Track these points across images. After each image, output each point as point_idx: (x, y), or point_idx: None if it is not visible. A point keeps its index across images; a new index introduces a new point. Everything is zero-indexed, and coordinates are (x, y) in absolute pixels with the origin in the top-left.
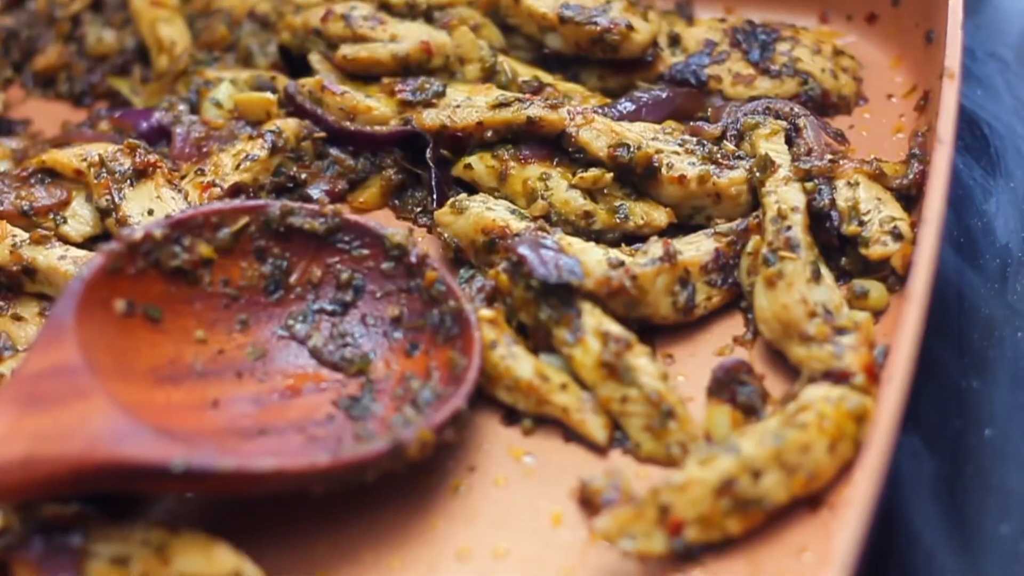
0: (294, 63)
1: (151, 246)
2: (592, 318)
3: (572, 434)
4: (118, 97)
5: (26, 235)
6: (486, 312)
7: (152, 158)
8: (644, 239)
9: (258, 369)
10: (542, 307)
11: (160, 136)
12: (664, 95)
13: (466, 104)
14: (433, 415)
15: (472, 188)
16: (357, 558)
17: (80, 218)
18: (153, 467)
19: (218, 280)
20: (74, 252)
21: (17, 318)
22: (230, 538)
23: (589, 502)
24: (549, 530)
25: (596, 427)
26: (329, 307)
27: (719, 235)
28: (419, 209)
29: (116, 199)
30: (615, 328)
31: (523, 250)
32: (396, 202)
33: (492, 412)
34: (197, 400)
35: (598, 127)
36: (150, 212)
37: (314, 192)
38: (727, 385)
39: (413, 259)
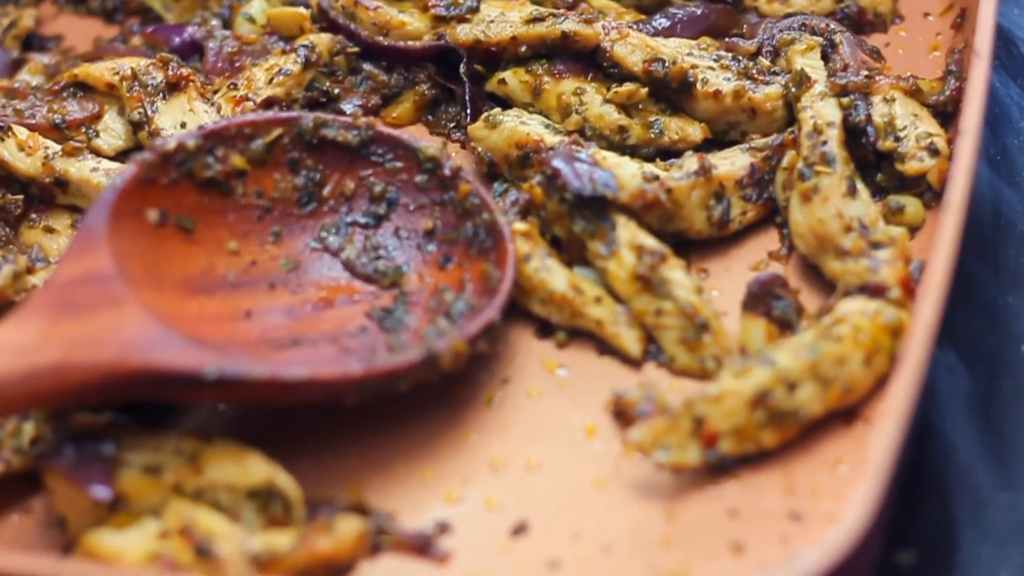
0: None
1: (184, 156)
2: (626, 231)
3: (606, 347)
4: (150, 13)
5: (58, 147)
6: (520, 225)
7: (185, 71)
8: (678, 155)
9: (291, 281)
10: (576, 220)
11: (192, 51)
12: (699, 11)
13: (500, 19)
14: (467, 326)
15: (505, 103)
16: (390, 469)
17: (112, 132)
18: (186, 374)
19: (251, 191)
20: (106, 164)
21: (49, 230)
22: (262, 449)
23: (623, 414)
24: (582, 442)
25: (630, 340)
26: (362, 220)
27: (754, 150)
28: (452, 124)
29: (149, 112)
30: (650, 241)
31: (558, 163)
32: (429, 117)
33: (525, 325)
34: (230, 311)
35: (633, 42)
36: (182, 125)
37: (347, 107)
38: (762, 299)
39: (447, 172)
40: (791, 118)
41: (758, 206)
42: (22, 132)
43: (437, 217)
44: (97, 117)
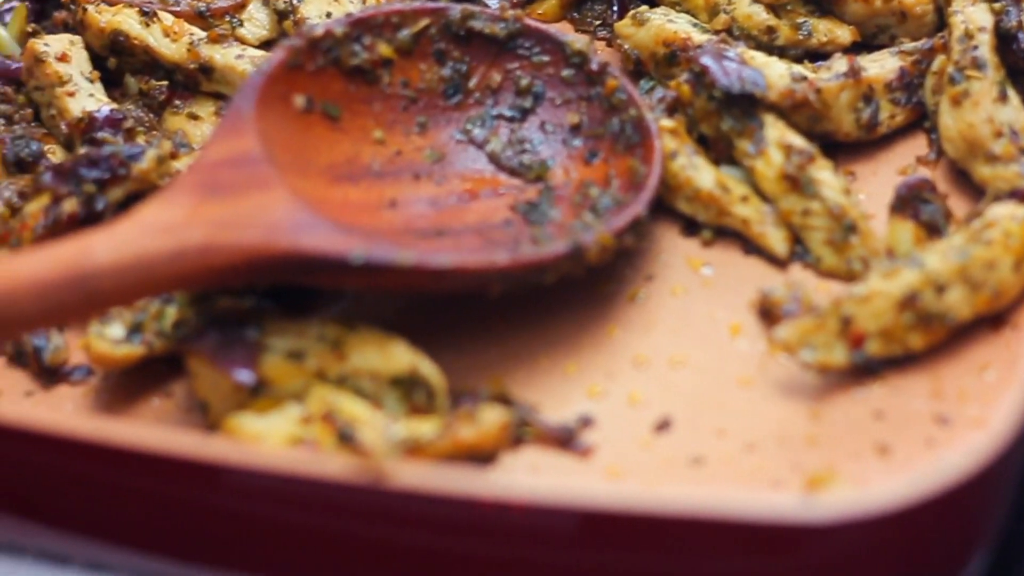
0: None
1: (331, 43)
2: (775, 130)
3: (751, 246)
4: None
5: (203, 34)
6: (667, 122)
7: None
8: (825, 57)
9: (435, 172)
10: (724, 118)
11: None
12: None
13: None
14: (613, 220)
15: (652, 1)
16: (533, 362)
17: (256, 21)
18: (332, 259)
19: (397, 81)
20: (251, 52)
21: (193, 116)
22: (405, 338)
23: (768, 313)
24: (727, 340)
25: (777, 240)
26: (508, 113)
27: (904, 53)
28: (598, 22)
29: (294, 1)
30: (798, 140)
31: (706, 60)
32: (574, 15)
33: (671, 223)
34: (374, 199)
35: None
36: (328, 15)
37: (492, 1)
38: (910, 202)
39: (594, 67)
40: (941, 23)
41: (907, 110)
42: (167, 18)
43: (583, 112)
44: (241, 6)
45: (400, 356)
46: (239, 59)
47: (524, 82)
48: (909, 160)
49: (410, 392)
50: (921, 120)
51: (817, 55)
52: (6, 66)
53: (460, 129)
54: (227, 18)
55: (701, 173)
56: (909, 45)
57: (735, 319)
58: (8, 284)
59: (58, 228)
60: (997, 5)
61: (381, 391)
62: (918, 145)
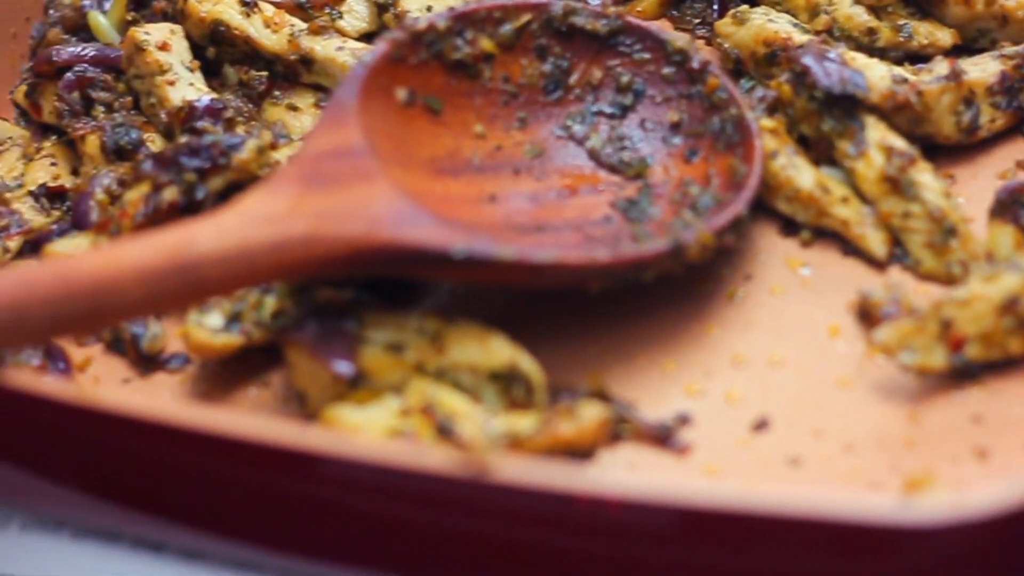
0: None
1: (434, 36)
2: (876, 131)
3: (850, 248)
4: None
5: (304, 25)
6: (767, 121)
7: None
8: (925, 60)
9: (535, 167)
10: (825, 119)
11: None
12: None
13: None
14: (713, 219)
15: (752, 0)
16: (631, 359)
17: (356, 14)
18: (434, 252)
19: (498, 76)
20: (351, 44)
21: (292, 108)
22: (505, 333)
23: (868, 315)
24: (826, 341)
25: (876, 241)
26: (608, 109)
27: (1005, 57)
28: (697, 21)
29: None
30: (899, 142)
31: (807, 60)
32: (674, 12)
33: (769, 223)
34: (475, 193)
35: None
36: (428, 8)
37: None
38: (1010, 206)
39: (695, 65)
40: None
41: (1008, 114)
42: (268, 9)
43: (683, 110)
44: None
45: (500, 350)
46: (339, 51)
47: (624, 79)
48: (1009, 164)
49: (509, 387)
50: (1021, 124)
51: (917, 58)
52: (106, 54)
53: (560, 125)
54: (327, 10)
55: (801, 173)
56: (1010, 49)
57: (833, 320)
58: (110, 271)
59: (158, 217)
60: None
61: (480, 385)
62: (1018, 149)
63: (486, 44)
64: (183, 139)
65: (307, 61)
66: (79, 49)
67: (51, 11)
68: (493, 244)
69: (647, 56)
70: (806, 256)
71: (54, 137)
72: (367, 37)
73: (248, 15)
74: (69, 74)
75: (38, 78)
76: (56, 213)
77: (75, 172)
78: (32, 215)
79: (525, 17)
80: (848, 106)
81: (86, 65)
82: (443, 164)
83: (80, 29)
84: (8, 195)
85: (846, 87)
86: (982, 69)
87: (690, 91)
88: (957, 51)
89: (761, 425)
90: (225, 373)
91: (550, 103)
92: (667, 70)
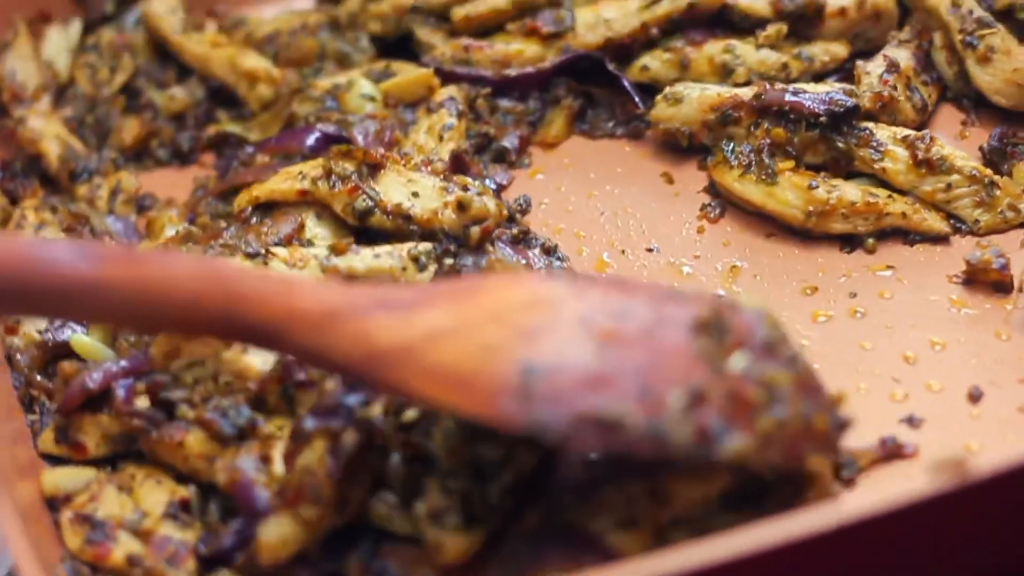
0: (387, 51)
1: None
2: (884, 130)
3: (913, 236)
4: (228, 139)
5: (324, 250)
6: (784, 163)
7: (381, 151)
8: (827, 76)
9: None
10: (834, 139)
11: (327, 146)
12: None
13: (621, 13)
14: None
15: (651, 89)
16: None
17: (320, 235)
18: None
19: None
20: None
21: None
22: None
23: (977, 275)
24: (959, 314)
25: (935, 219)
26: None
27: (903, 43)
28: (611, 123)
29: (372, 195)
30: (908, 131)
31: (790, 98)
32: (584, 126)
33: (829, 247)
34: None
35: None
36: (415, 195)
37: (508, 144)
38: (1003, 150)
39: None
40: (904, 12)
41: (935, 87)
42: (280, 251)
43: None
44: (301, 227)
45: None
46: (376, 258)
47: None
48: (956, 129)
49: None
50: (945, 92)
51: (820, 76)
52: (139, 363)
53: None
54: (295, 242)
55: (846, 189)
56: (902, 34)
57: (949, 295)
58: None
59: (351, 466)
60: None
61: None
62: (952, 114)
63: None
64: (301, 393)
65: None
66: (109, 366)
67: (13, 365)
68: None
69: None
70: (880, 259)
71: (109, 468)
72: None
73: (266, 263)
74: (120, 391)
75: (67, 417)
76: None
77: (181, 476)
78: (180, 530)
79: None
80: (847, 121)
81: (130, 380)
82: None
83: (51, 362)
84: (145, 528)
85: (841, 105)
86: (899, 59)
87: None
88: (853, 60)
89: (977, 396)
90: None
91: None
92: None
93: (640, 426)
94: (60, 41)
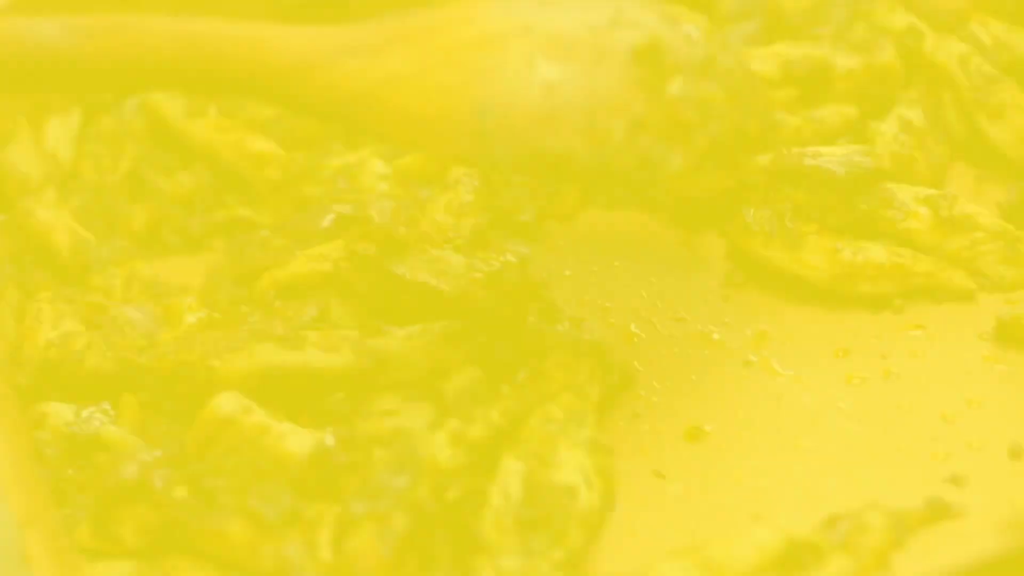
0: None
1: None
2: (906, 190)
3: (938, 295)
4: (237, 225)
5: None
6: (807, 226)
7: (402, 230)
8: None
9: None
10: (857, 202)
11: (344, 227)
12: None
13: None
14: None
15: None
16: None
17: (345, 316)
18: None
19: None
20: None
21: None
22: None
23: (1009, 330)
24: (992, 368)
25: (961, 277)
26: None
27: (914, 101)
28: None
29: (397, 275)
30: (930, 190)
31: (809, 161)
32: (600, 197)
33: (855, 310)
34: None
35: None
36: (440, 272)
37: (525, 216)
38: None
39: None
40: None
41: (949, 144)
42: (312, 335)
43: None
44: (327, 309)
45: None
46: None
47: None
48: (970, 185)
49: None
50: None
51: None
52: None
53: None
54: None
55: (871, 251)
56: (912, 92)
57: (982, 352)
58: None
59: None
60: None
61: None
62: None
63: None
64: (343, 475)
65: None
66: (143, 456)
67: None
68: None
69: None
70: (909, 319)
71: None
72: None
73: None
74: (157, 480)
75: (104, 510)
76: None
77: (223, 567)
78: None
79: None
80: (867, 182)
81: (166, 469)
82: None
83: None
84: None
85: (860, 165)
86: (910, 117)
87: None
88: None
89: (1019, 451)
90: None
91: None
92: None
93: (586, 158)
94: (62, 131)
